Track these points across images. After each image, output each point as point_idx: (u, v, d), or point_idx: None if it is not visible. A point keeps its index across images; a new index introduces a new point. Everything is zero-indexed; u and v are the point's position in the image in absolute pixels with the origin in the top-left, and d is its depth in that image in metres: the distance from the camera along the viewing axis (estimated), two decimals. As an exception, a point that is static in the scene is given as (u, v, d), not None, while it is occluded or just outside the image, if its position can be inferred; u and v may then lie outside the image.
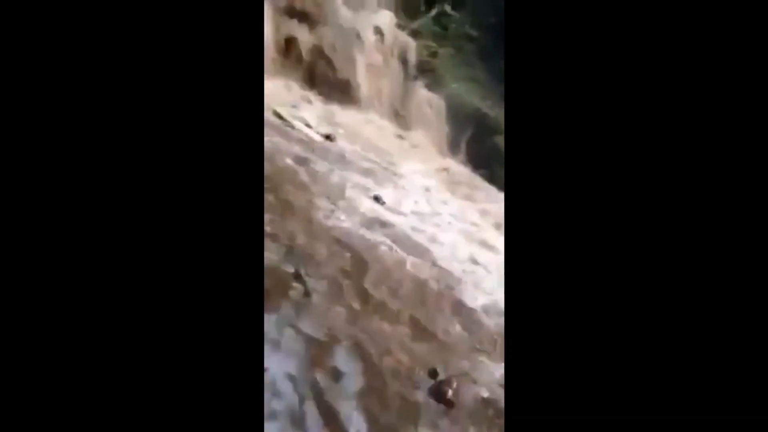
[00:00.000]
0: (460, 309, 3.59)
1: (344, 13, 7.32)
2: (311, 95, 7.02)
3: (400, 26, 7.76)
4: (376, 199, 4.82)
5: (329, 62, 7.24)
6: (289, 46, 7.07)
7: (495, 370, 3.15)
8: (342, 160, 5.41)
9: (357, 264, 3.57)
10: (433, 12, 7.88)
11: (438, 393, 2.73)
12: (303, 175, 4.50)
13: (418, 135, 7.31)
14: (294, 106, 6.30)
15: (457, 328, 3.41)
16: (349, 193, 4.52)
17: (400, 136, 7.06)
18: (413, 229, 4.36)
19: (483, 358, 3.22)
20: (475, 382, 2.97)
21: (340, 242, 3.72)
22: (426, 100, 7.76)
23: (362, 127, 7.03)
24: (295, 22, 7.05)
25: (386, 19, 7.61)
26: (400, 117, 7.60)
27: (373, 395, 2.59)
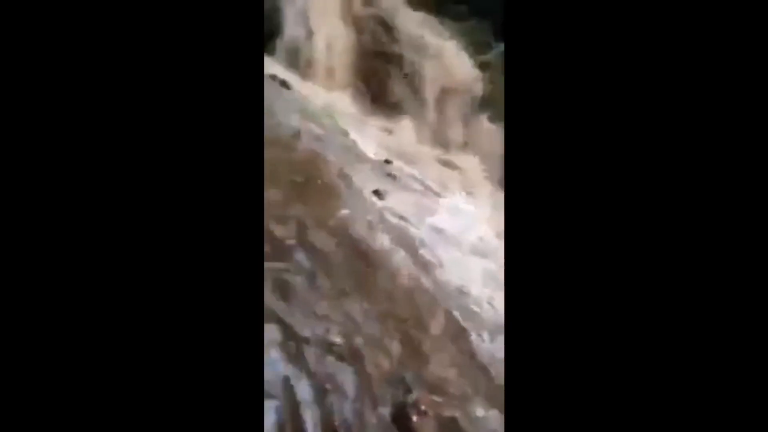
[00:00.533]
0: (457, 339, 3.60)
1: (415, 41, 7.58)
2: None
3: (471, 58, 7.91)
4: (376, 193, 4.78)
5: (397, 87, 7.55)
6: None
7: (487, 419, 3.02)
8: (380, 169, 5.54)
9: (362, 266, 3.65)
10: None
11: (401, 415, 2.61)
12: (336, 174, 4.56)
13: (474, 164, 7.35)
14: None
15: (451, 360, 3.36)
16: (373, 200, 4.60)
17: (453, 163, 7.15)
18: (422, 244, 4.38)
19: (477, 404, 3.11)
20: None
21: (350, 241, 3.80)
22: (487, 131, 7.84)
23: (421, 152, 7.21)
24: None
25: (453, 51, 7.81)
26: (461, 145, 7.74)
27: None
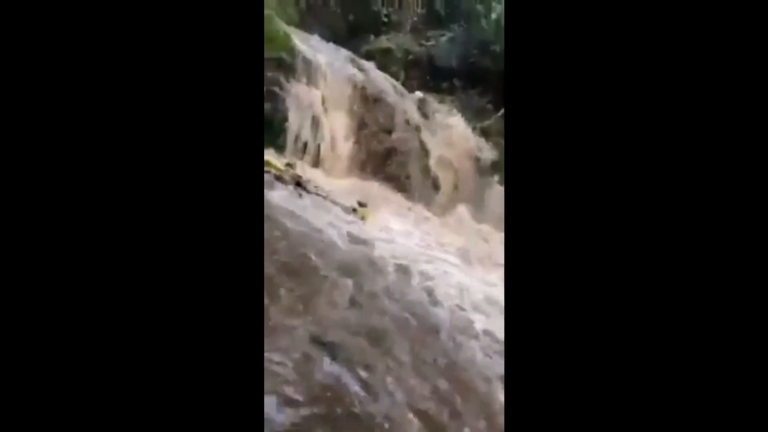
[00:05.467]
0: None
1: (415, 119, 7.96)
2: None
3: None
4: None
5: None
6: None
7: None
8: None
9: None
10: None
11: None
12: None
13: (488, 227, 7.44)
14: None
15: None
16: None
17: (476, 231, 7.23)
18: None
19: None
20: None
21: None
22: (500, 194, 7.96)
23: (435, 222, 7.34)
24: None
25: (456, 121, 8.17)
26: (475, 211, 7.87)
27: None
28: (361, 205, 6.31)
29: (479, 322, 4.16)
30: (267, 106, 6.86)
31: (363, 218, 6.09)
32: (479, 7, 9.76)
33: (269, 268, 3.42)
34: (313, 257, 4.02)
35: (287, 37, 7.35)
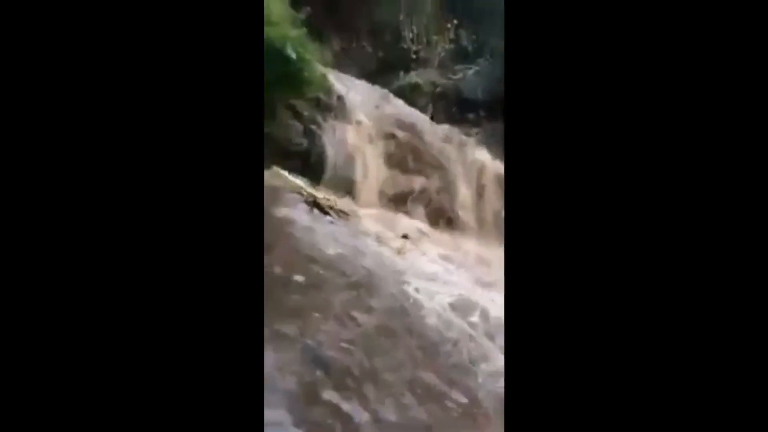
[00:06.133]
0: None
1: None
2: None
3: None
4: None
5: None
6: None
7: None
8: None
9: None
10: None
11: None
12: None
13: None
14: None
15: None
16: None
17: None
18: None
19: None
20: None
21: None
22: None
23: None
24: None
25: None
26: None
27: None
28: (404, 236, 6.52)
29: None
30: (305, 142, 7.37)
31: (400, 252, 6.21)
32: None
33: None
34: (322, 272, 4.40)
35: (324, 78, 7.84)
